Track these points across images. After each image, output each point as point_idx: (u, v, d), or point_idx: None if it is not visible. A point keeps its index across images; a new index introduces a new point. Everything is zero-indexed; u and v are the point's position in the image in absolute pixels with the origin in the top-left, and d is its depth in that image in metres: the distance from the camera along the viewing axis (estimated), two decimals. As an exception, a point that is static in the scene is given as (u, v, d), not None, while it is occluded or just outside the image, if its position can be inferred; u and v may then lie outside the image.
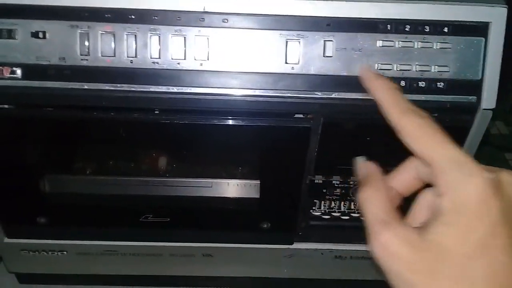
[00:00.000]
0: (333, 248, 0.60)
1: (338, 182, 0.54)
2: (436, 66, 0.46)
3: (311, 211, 0.58)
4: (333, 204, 0.58)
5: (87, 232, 0.57)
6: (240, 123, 0.47)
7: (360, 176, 0.35)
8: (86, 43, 0.44)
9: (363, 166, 0.35)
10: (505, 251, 0.26)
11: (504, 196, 0.27)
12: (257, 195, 0.54)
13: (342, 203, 0.58)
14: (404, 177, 0.34)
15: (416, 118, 0.31)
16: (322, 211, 0.58)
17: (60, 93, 0.45)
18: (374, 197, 0.31)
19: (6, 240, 0.58)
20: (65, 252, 0.59)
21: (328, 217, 0.59)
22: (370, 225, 0.30)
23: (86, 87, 0.45)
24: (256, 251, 0.59)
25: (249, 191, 0.55)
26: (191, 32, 0.44)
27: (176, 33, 0.44)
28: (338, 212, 0.58)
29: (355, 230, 0.58)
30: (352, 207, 0.58)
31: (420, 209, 0.33)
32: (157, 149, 0.54)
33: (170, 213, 0.55)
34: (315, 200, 0.57)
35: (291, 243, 0.59)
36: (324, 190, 0.55)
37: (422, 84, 0.46)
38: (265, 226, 0.56)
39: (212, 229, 0.57)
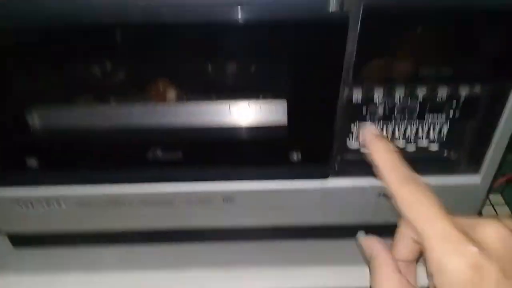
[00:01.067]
0: (376, 184, 0.50)
1: (380, 98, 0.45)
2: None
3: (348, 138, 0.49)
4: (373, 131, 0.49)
5: (85, 174, 0.48)
6: (260, 18, 0.38)
7: (366, 255, 0.36)
8: None
9: (366, 244, 0.36)
10: None
11: (493, 262, 0.28)
12: (284, 118, 0.45)
13: (385, 127, 0.49)
14: (405, 243, 0.34)
15: (414, 188, 0.32)
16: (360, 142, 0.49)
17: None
18: (385, 280, 0.34)
19: (-6, 191, 0.49)
20: (62, 204, 0.51)
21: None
22: None
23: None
24: (285, 192, 0.50)
25: (275, 114, 0.46)
26: None
27: None
28: (380, 140, 0.49)
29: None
30: (397, 132, 0.49)
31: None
32: (162, 66, 0.44)
33: (182, 146, 0.47)
34: (352, 127, 0.48)
35: (326, 177, 0.50)
36: (364, 111, 0.46)
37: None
38: (295, 157, 0.47)
39: (232, 165, 0.48)
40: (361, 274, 0.53)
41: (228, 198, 0.51)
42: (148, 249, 0.58)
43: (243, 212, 0.52)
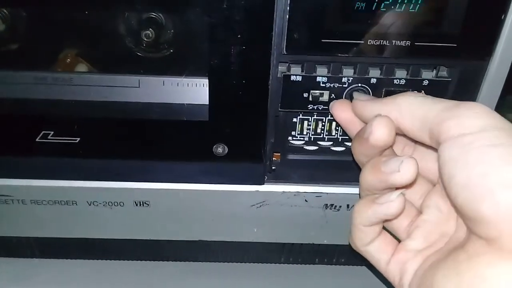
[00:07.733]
0: (321, 192, 0.41)
1: (324, 78, 0.36)
2: None
3: (290, 138, 0.41)
4: (320, 126, 0.40)
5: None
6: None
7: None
8: None
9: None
10: None
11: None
12: (205, 99, 0.37)
13: (334, 123, 0.40)
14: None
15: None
16: (304, 138, 0.41)
17: None
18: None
19: None
20: None
21: (314, 147, 0.42)
22: None
23: None
24: (210, 199, 0.41)
25: (195, 94, 0.37)
26: None
27: None
28: (329, 138, 0.41)
29: (352, 166, 0.40)
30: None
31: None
32: (57, 29, 0.36)
33: (80, 129, 0.38)
34: (293, 117, 0.40)
35: (261, 182, 0.41)
36: (305, 95, 0.37)
37: None
38: (220, 151, 0.39)
39: (143, 155, 0.39)
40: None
41: (141, 202, 0.42)
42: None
43: (159, 220, 0.42)
